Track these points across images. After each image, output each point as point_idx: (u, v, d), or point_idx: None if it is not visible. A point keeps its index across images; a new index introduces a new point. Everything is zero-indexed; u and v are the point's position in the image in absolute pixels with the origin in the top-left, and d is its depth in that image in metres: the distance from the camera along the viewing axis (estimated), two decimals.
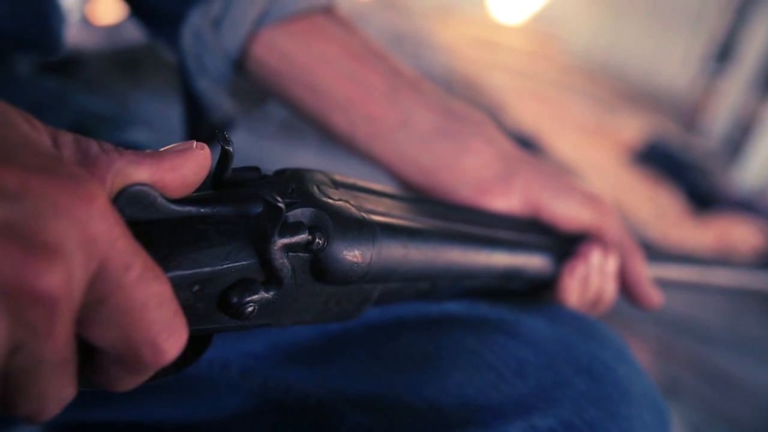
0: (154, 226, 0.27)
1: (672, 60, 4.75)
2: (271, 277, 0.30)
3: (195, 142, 0.28)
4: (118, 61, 2.21)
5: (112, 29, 2.31)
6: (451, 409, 0.39)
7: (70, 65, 1.98)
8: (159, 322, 0.24)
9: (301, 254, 0.31)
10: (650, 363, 1.63)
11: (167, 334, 0.24)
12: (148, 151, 0.27)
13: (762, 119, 3.30)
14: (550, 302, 0.50)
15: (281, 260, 0.29)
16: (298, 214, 0.31)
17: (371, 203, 0.36)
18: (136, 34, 2.26)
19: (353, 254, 0.32)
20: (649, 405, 0.42)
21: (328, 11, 0.50)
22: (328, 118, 0.49)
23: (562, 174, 0.51)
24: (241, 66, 0.49)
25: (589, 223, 0.50)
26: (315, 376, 0.43)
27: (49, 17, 0.44)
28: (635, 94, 4.49)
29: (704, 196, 2.79)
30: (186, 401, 0.46)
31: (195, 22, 0.47)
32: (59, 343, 0.21)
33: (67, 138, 0.25)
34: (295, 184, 0.32)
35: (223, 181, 0.30)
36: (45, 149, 0.23)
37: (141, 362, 0.24)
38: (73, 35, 2.16)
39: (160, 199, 0.26)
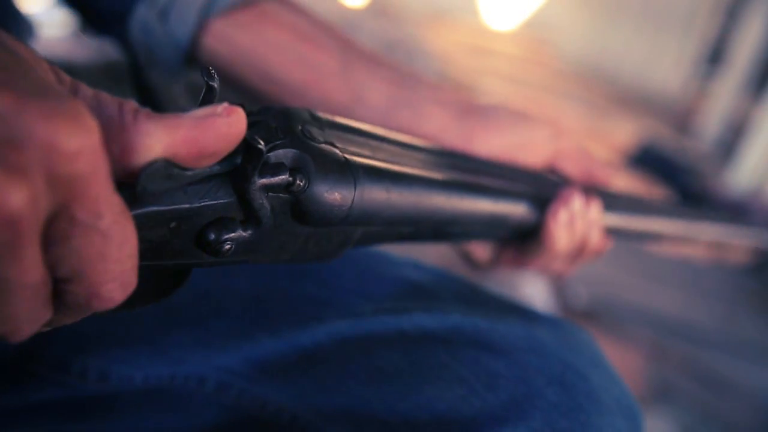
0: None
1: (664, 63, 4.77)
2: (249, 216, 0.30)
3: (220, 107, 0.26)
4: (109, 74, 2.22)
5: (104, 42, 2.32)
6: (423, 424, 0.39)
7: None
8: (110, 273, 0.24)
9: (281, 195, 0.31)
10: (643, 366, 1.63)
11: (113, 285, 0.24)
12: (165, 116, 0.25)
13: (754, 121, 3.31)
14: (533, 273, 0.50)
15: (260, 200, 0.29)
16: (280, 155, 0.30)
17: (356, 145, 0.36)
18: None
19: (334, 197, 0.32)
20: (623, 411, 0.42)
21: None
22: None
23: (515, 112, 0.51)
24: (193, 58, 0.49)
25: (553, 146, 0.51)
26: (289, 390, 0.43)
27: (9, 25, 0.45)
28: (628, 98, 4.50)
29: (698, 198, 2.79)
30: (162, 415, 0.46)
31: (142, 14, 0.47)
32: (26, 266, 0.21)
33: (87, 92, 0.25)
34: (278, 122, 0.32)
35: None
36: (48, 83, 0.23)
37: (77, 301, 0.24)
38: (64, 48, 2.16)
39: (176, 171, 0.26)
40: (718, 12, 4.47)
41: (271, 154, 0.30)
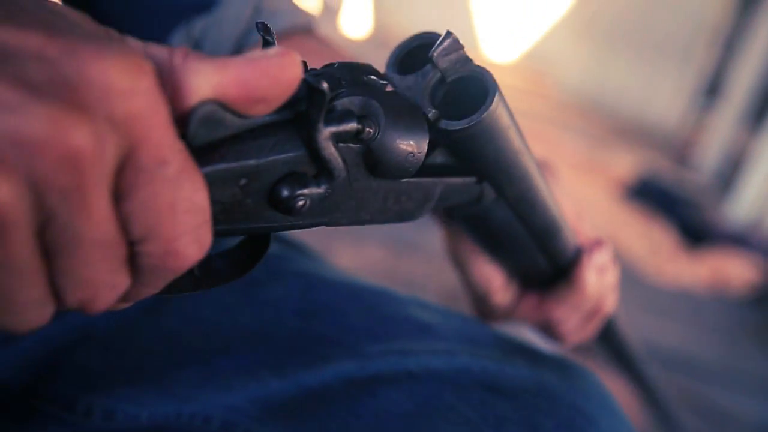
0: None
1: (662, 96, 4.81)
2: (321, 169, 0.28)
3: (273, 49, 0.25)
4: None
5: None
6: None
7: None
8: (182, 226, 0.23)
9: (352, 145, 0.29)
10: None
11: (187, 240, 0.23)
12: (216, 57, 0.24)
13: (752, 153, 3.33)
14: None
15: (330, 150, 0.28)
16: (347, 102, 0.29)
17: None
18: None
19: (407, 143, 0.30)
20: None
21: (310, 32, 0.50)
22: None
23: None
24: None
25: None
26: (295, 431, 0.43)
27: None
28: (627, 130, 4.53)
29: (697, 230, 2.79)
30: None
31: (176, 44, 0.47)
32: (97, 218, 0.21)
33: (137, 43, 0.24)
34: (343, 74, 0.31)
35: None
36: (99, 32, 0.23)
37: (153, 263, 0.24)
38: None
39: (228, 116, 0.25)
40: (716, 44, 4.53)
41: (337, 102, 0.29)
